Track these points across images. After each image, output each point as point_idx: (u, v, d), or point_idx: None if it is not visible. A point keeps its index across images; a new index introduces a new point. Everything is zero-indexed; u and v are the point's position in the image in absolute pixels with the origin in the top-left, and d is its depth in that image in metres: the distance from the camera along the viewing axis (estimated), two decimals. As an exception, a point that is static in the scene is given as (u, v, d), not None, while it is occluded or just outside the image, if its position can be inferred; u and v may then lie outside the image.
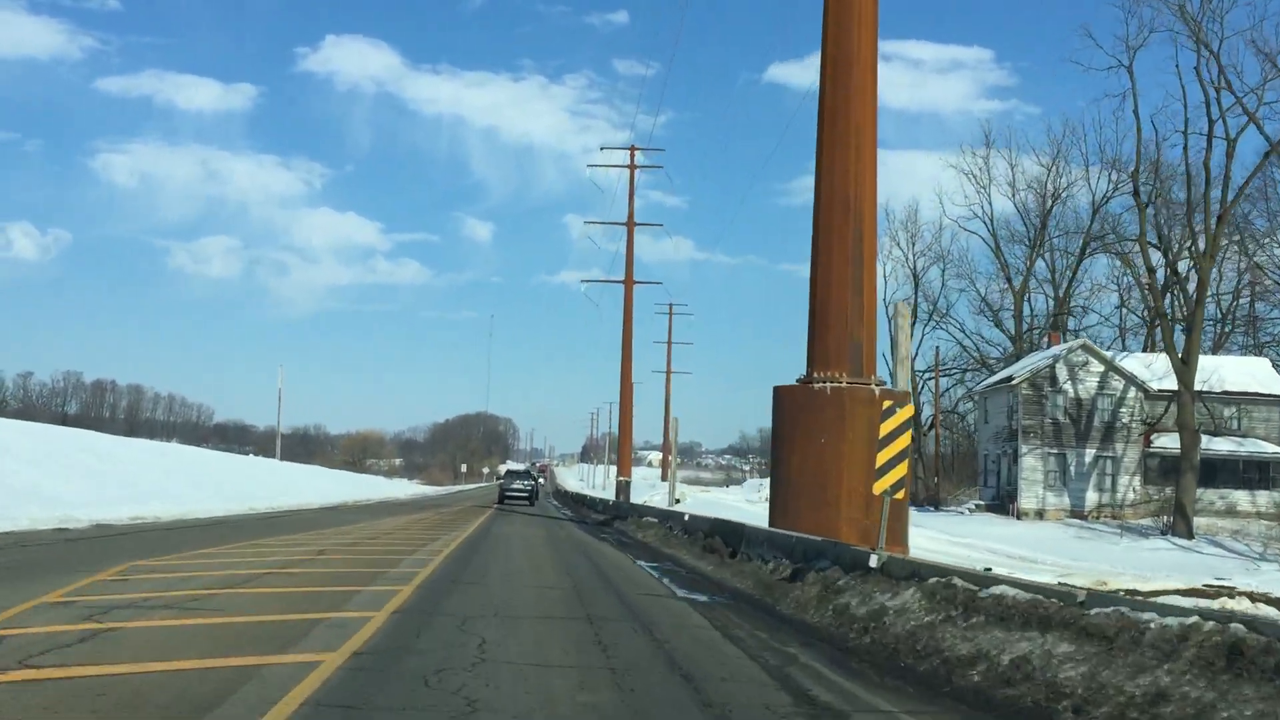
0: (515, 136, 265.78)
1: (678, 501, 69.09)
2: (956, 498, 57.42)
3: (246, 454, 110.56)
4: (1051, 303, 60.23)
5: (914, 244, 66.68)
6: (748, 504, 71.32)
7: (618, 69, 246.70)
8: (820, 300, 22.94)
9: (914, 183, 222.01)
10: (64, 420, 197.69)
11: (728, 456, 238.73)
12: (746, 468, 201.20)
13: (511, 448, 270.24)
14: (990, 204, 62.73)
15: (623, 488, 72.53)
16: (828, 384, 21.81)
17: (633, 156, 76.08)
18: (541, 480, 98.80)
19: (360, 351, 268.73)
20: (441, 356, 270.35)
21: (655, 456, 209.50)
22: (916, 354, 61.88)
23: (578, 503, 64.27)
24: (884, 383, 23.98)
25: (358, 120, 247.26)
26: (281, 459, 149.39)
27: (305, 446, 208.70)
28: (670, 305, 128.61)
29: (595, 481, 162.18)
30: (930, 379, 62.84)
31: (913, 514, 45.86)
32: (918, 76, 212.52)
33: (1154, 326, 52.18)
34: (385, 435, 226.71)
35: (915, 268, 66.58)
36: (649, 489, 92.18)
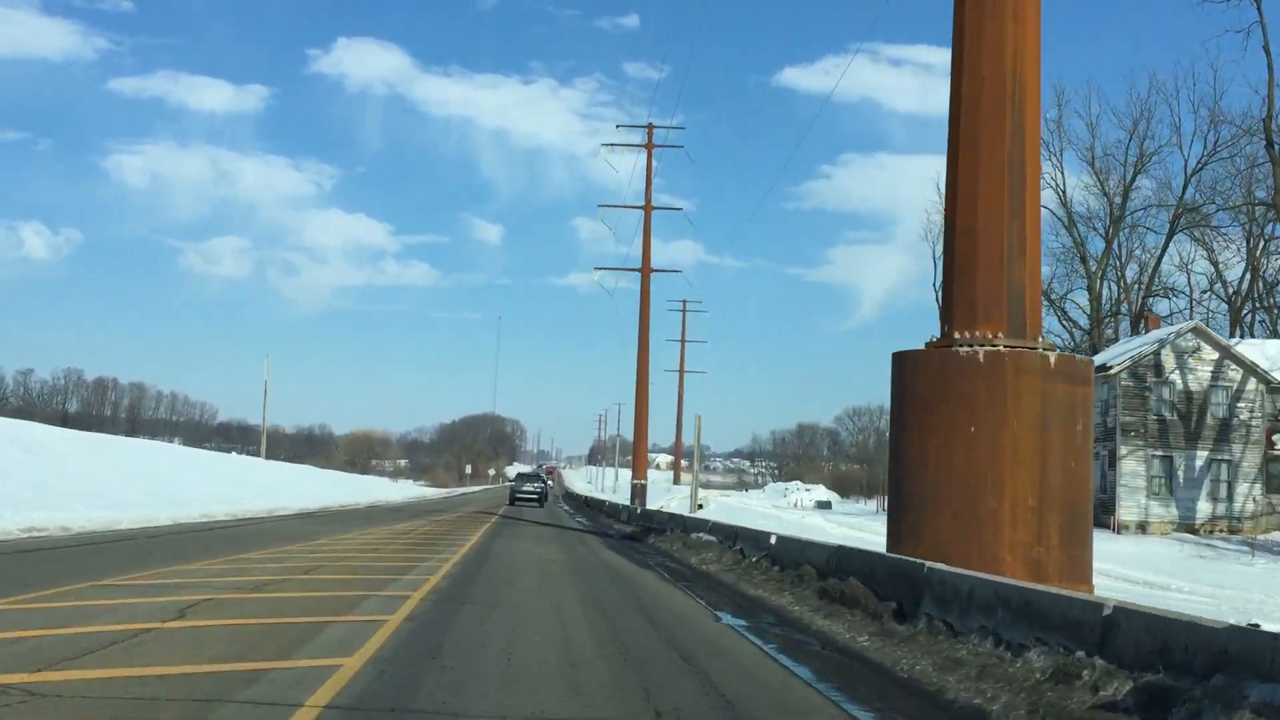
0: (525, 139, 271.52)
1: (700, 507, 61.89)
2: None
3: (233, 452, 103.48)
4: (1116, 287, 52.55)
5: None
6: (776, 510, 64.18)
7: (628, 72, 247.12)
8: (963, 228, 15.86)
9: (927, 187, 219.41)
10: (64, 419, 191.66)
11: (735, 460, 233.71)
12: (754, 471, 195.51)
13: (518, 449, 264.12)
14: (1063, 173, 54.27)
15: (638, 491, 65.41)
16: (979, 347, 14.75)
17: (650, 135, 69.09)
18: (550, 483, 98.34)
19: (368, 352, 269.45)
20: (449, 358, 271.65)
21: (664, 459, 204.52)
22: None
23: (593, 509, 56.97)
24: (1055, 346, 16.79)
25: (368, 122, 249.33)
26: (284, 459, 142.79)
27: (310, 446, 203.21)
28: (684, 302, 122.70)
29: (604, 484, 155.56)
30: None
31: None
32: (928, 81, 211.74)
33: (1256, 309, 44.60)
34: (390, 435, 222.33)
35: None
36: (663, 493, 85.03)
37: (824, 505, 67.28)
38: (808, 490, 71.03)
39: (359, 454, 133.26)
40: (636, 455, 67.73)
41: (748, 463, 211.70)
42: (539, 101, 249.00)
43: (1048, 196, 55.14)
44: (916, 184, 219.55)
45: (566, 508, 64.40)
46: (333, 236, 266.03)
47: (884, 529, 15.57)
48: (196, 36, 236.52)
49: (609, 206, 74.00)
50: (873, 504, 73.75)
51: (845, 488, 76.88)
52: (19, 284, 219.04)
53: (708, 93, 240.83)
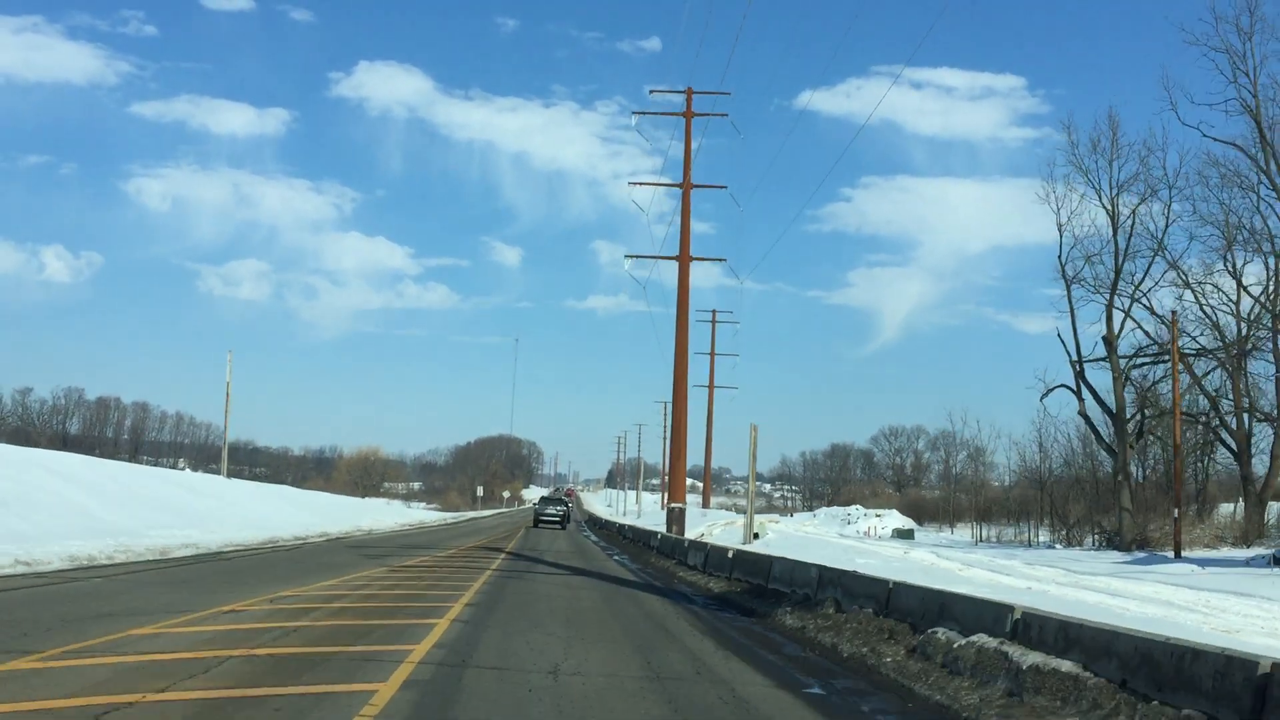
0: (546, 162, 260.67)
1: (756, 537, 48.83)
2: (1195, 539, 36.85)
3: (186, 468, 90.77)
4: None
5: (1114, 169, 44.01)
6: (848, 540, 51.24)
7: (649, 95, 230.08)
8: None
9: (944, 209, 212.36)
10: (64, 441, 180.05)
11: (758, 483, 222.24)
12: (779, 495, 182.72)
13: (535, 472, 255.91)
14: (1254, 92, 39.80)
15: (676, 517, 52.64)
16: None
17: (689, 102, 56.80)
18: (570, 506, 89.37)
19: (385, 375, 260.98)
20: (467, 380, 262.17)
21: (689, 482, 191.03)
22: (1120, 331, 41.12)
23: (628, 540, 44.14)
24: None
25: (389, 145, 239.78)
26: (290, 481, 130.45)
27: (319, 468, 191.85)
28: (714, 312, 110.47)
29: (625, 507, 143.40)
30: (1144, 364, 41.69)
31: (1153, 567, 26.04)
32: (949, 103, 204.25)
33: None
34: (400, 457, 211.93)
35: (1115, 207, 43.37)
36: (699, 518, 71.92)
37: (904, 535, 54.44)
38: (878, 516, 58.11)
39: (362, 475, 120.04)
40: (673, 473, 54.90)
41: (768, 485, 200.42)
42: (560, 125, 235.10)
43: (1239, 125, 41.02)
44: (937, 206, 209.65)
45: (594, 537, 51.73)
46: (352, 259, 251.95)
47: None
48: (219, 60, 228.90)
49: (643, 184, 61.05)
50: (954, 532, 60.94)
51: (916, 514, 64.15)
52: (41, 307, 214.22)
53: (727, 114, 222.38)
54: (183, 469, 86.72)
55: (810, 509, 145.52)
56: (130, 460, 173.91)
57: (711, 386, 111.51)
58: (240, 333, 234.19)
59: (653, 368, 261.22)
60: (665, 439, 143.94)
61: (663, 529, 49.23)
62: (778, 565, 15.85)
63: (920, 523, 61.83)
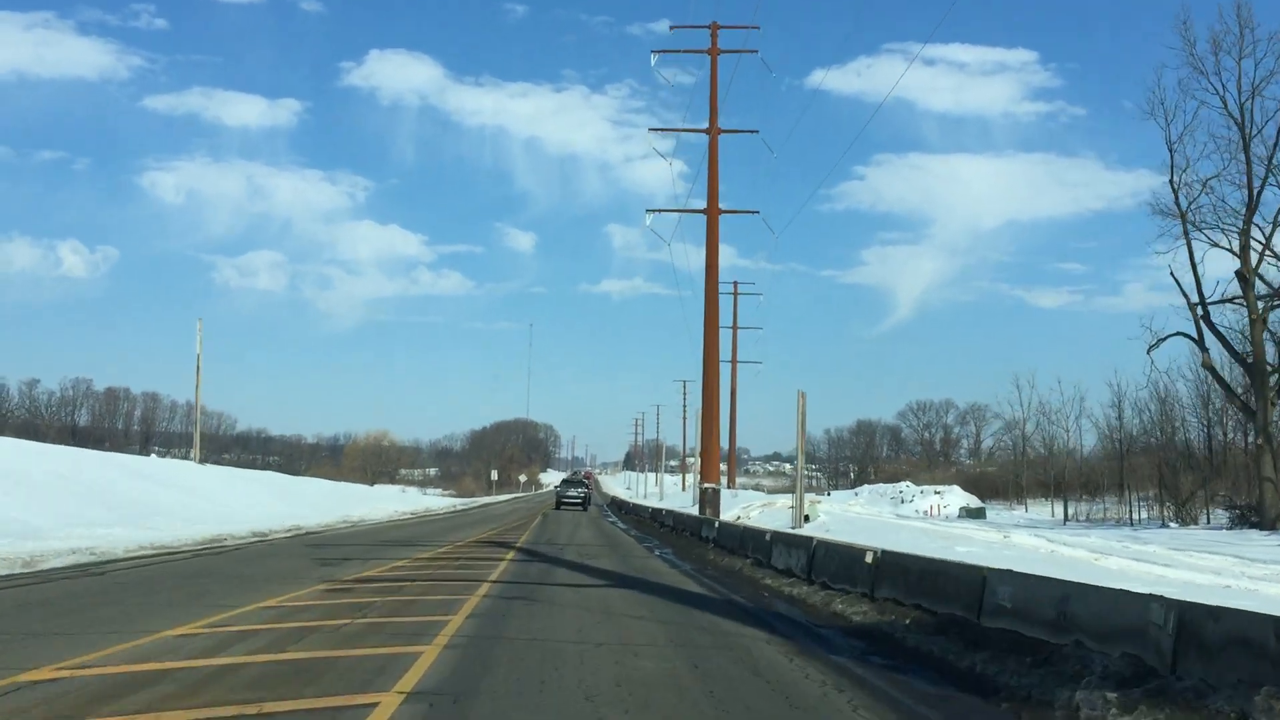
0: (557, 147, 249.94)
1: (806, 520, 41.56)
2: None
3: (154, 454, 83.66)
4: None
5: (1245, 70, 34.98)
6: (907, 520, 43.93)
7: (659, 77, 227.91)
8: None
9: (957, 185, 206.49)
10: (73, 433, 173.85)
11: (776, 463, 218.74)
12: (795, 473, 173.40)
13: (552, 455, 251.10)
14: None
15: (710, 499, 45.70)
16: None
17: (715, 38, 49.41)
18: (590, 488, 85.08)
19: (400, 363, 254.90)
20: (482, 367, 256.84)
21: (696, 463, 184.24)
22: (1258, 265, 33.00)
23: (668, 528, 36.79)
24: None
25: (401, 133, 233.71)
26: (304, 471, 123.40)
27: (333, 455, 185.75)
28: (735, 283, 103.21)
29: (645, 490, 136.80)
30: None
31: None
32: (962, 79, 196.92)
33: None
34: (413, 443, 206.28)
35: (1247, 115, 34.74)
36: (730, 499, 64.59)
37: (974, 514, 47.05)
38: (937, 494, 50.72)
39: (372, 461, 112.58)
40: (705, 451, 47.70)
41: (788, 465, 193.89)
42: (571, 109, 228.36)
43: None
44: (950, 183, 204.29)
45: (621, 523, 44.69)
46: (366, 248, 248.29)
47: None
48: (230, 52, 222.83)
49: (659, 130, 53.30)
50: (1027, 510, 53.64)
51: (975, 491, 56.60)
52: (57, 302, 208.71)
53: (739, 95, 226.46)
54: (152, 456, 79.82)
55: (834, 488, 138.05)
56: (141, 452, 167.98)
57: (735, 362, 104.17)
58: (255, 324, 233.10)
59: (669, 349, 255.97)
60: (684, 419, 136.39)
61: (692, 512, 42.10)
62: (998, 583, 8.51)
63: (982, 499, 54.41)
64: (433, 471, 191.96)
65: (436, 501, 63.87)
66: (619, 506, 70.32)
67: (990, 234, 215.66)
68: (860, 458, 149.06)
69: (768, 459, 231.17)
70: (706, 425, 47.13)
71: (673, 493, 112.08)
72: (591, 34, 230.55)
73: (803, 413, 35.67)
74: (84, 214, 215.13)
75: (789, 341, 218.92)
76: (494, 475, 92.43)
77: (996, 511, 50.72)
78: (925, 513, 48.12)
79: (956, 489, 50.73)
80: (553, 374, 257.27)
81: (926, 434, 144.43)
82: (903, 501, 53.24)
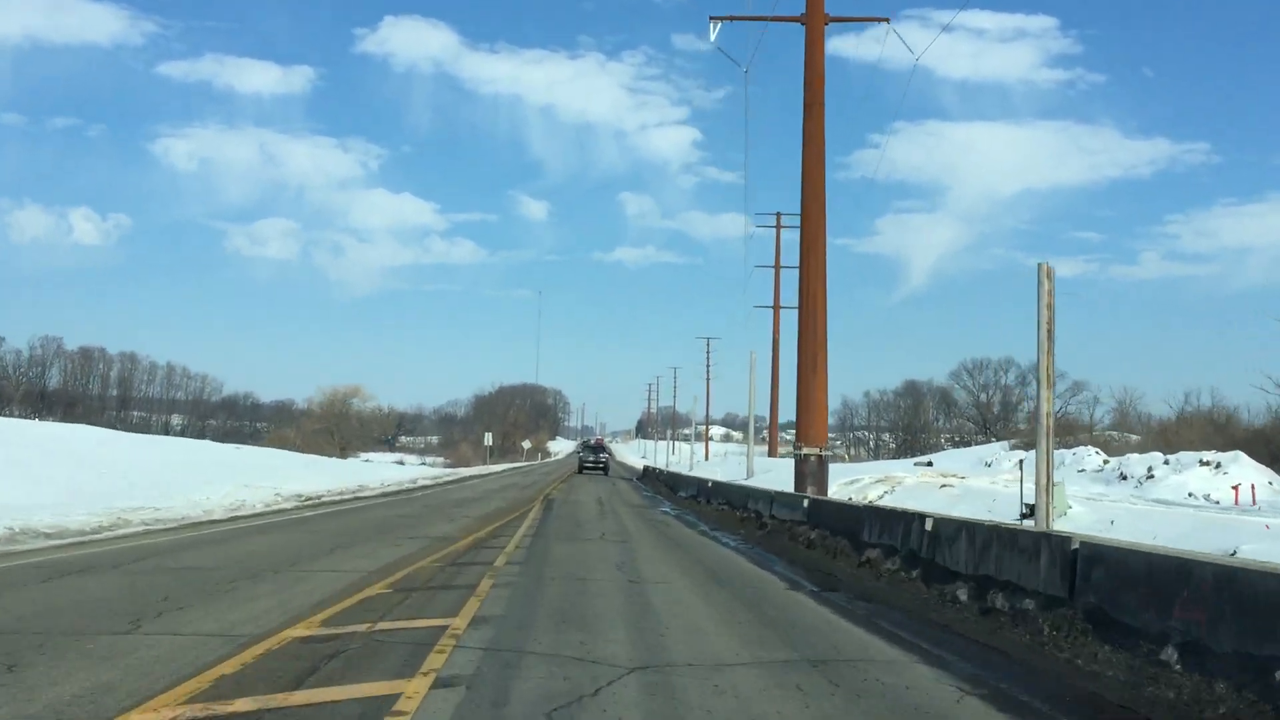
0: (572, 114, 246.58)
1: (1060, 513, 22.70)
2: None
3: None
4: None
5: None
6: (1224, 515, 24.25)
7: (676, 44, 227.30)
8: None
9: (974, 153, 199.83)
10: (41, 397, 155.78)
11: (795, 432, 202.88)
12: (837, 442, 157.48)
13: (562, 423, 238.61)
14: None
15: (812, 471, 27.38)
16: None
17: None
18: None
19: (412, 331, 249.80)
20: (494, 335, 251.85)
21: (716, 431, 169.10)
22: None
23: (833, 532, 17.43)
24: None
25: (415, 101, 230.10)
26: (295, 440, 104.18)
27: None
28: (778, 215, 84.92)
29: (661, 459, 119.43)
30: None
31: None
32: (979, 45, 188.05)
33: None
34: (415, 409, 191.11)
35: None
36: (764, 471, 46.11)
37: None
38: (1211, 466, 31.51)
39: (338, 425, 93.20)
40: (805, 396, 28.40)
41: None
42: (586, 76, 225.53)
43: None
44: (967, 151, 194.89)
45: (671, 509, 26.50)
46: (379, 217, 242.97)
47: None
48: (244, 19, 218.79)
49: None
50: None
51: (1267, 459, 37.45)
52: (70, 270, 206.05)
53: (756, 61, 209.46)
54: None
55: (874, 457, 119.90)
56: (117, 419, 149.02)
57: (777, 307, 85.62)
58: (267, 291, 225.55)
59: (682, 317, 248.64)
60: (708, 378, 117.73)
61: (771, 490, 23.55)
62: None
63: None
64: (436, 440, 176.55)
65: (398, 474, 44.93)
66: (656, 478, 51.64)
67: (1007, 201, 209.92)
68: (908, 424, 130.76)
69: (787, 426, 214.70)
70: (807, 352, 28.24)
71: (690, 462, 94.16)
72: (607, 0, 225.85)
73: (1049, 339, 16.56)
74: (98, 181, 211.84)
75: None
76: (488, 441, 73.29)
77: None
78: (1207, 497, 29.51)
79: (1242, 455, 31.73)
80: (564, 342, 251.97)
81: (984, 396, 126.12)
82: (1125, 477, 34.35)
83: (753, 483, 35.64)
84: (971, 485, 31.56)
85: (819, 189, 28.78)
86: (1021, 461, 29.84)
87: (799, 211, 28.66)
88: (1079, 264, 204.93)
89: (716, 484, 32.46)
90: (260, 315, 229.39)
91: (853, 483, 34.49)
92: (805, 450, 27.82)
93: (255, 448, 49.88)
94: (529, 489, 36.79)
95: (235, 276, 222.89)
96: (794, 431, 33.63)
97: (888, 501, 28.39)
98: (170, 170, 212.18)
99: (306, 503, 23.25)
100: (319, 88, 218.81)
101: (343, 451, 73.10)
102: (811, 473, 27.50)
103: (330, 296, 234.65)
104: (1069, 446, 39.47)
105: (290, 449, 59.60)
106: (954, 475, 36.19)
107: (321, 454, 63.56)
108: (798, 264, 28.96)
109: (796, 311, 29.44)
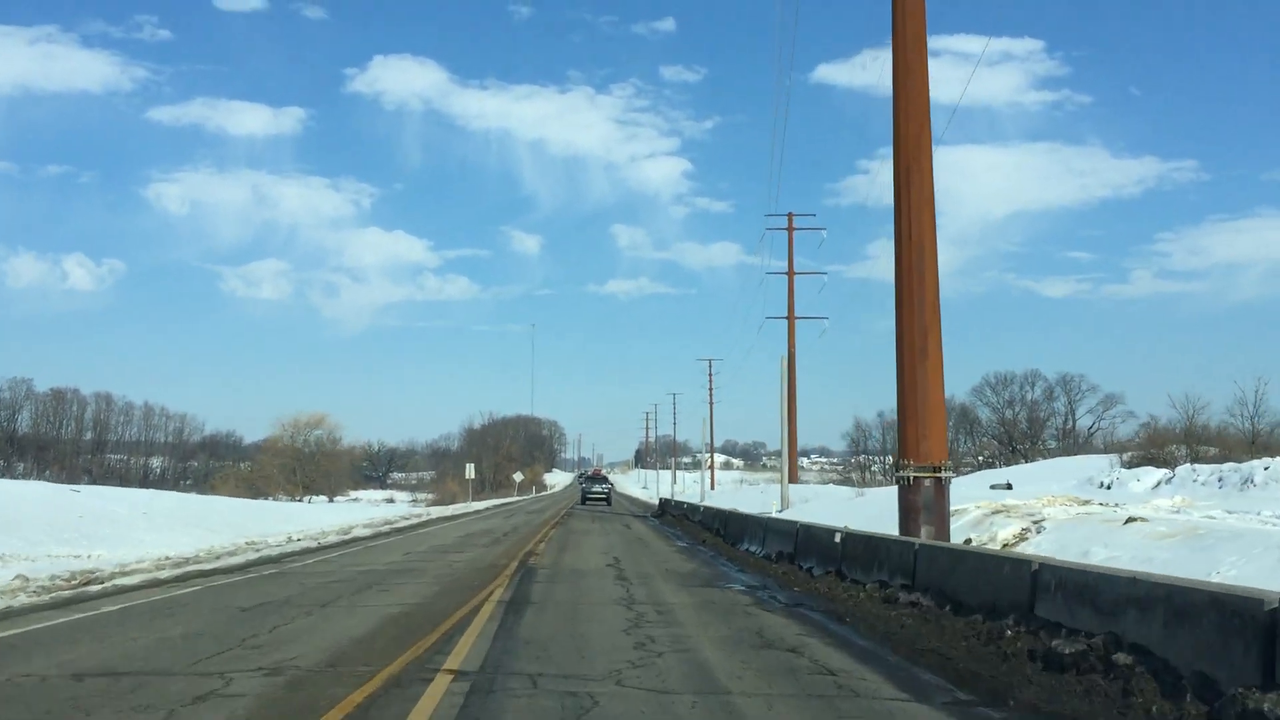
0: (563, 148, 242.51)
1: None
2: None
3: None
4: None
5: None
6: None
7: (664, 76, 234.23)
8: None
9: (963, 176, 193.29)
10: (11, 441, 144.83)
11: (804, 460, 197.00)
12: (814, 468, 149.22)
13: (557, 455, 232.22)
14: None
15: (929, 503, 16.72)
16: None
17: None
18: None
19: (406, 368, 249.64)
20: (489, 370, 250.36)
21: (719, 459, 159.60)
22: None
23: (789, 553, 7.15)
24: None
25: (406, 139, 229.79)
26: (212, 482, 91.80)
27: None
28: (790, 215, 75.80)
29: (659, 489, 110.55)
30: None
31: None
32: (967, 71, 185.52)
33: None
34: (407, 445, 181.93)
35: None
36: (801, 503, 36.35)
37: None
38: None
39: (302, 465, 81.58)
40: (910, 384, 17.96)
41: (805, 459, 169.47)
42: (576, 110, 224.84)
43: None
44: (956, 174, 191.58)
45: (740, 575, 16.32)
46: (372, 255, 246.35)
47: None
48: (233, 62, 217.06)
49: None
50: None
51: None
52: (65, 316, 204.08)
53: (744, 92, 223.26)
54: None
55: (859, 483, 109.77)
56: (89, 464, 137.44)
57: (792, 318, 75.83)
58: (261, 332, 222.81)
59: (676, 348, 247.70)
60: (710, 402, 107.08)
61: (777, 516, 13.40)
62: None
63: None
64: (430, 475, 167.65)
65: (391, 513, 34.49)
66: (677, 517, 41.21)
67: (998, 224, 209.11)
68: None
69: (778, 454, 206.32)
70: (914, 328, 18.03)
71: (694, 491, 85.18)
72: (596, 34, 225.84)
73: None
74: (90, 227, 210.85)
75: (801, 337, 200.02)
76: (469, 473, 62.58)
77: None
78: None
79: None
80: (559, 375, 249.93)
81: (1008, 412, 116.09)
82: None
83: (868, 529, 25.22)
84: (1216, 525, 19.62)
85: (922, 83, 18.92)
86: (1106, 486, 19.10)
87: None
88: (1071, 284, 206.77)
89: (730, 513, 21.81)
90: (252, 356, 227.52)
91: (983, 516, 24.27)
92: (914, 471, 17.67)
93: (121, 489, 39.26)
94: (503, 542, 26.21)
95: (229, 318, 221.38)
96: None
97: (1041, 545, 18.18)
98: (163, 214, 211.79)
99: (81, 586, 12.94)
100: (310, 128, 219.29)
101: (306, 490, 62.37)
102: (927, 504, 17.34)
103: (324, 336, 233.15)
104: (1233, 460, 29.14)
105: (242, 490, 49.33)
106: (1106, 504, 25.86)
107: (278, 495, 53.16)
108: (892, 195, 18.93)
109: (894, 273, 19.17)
